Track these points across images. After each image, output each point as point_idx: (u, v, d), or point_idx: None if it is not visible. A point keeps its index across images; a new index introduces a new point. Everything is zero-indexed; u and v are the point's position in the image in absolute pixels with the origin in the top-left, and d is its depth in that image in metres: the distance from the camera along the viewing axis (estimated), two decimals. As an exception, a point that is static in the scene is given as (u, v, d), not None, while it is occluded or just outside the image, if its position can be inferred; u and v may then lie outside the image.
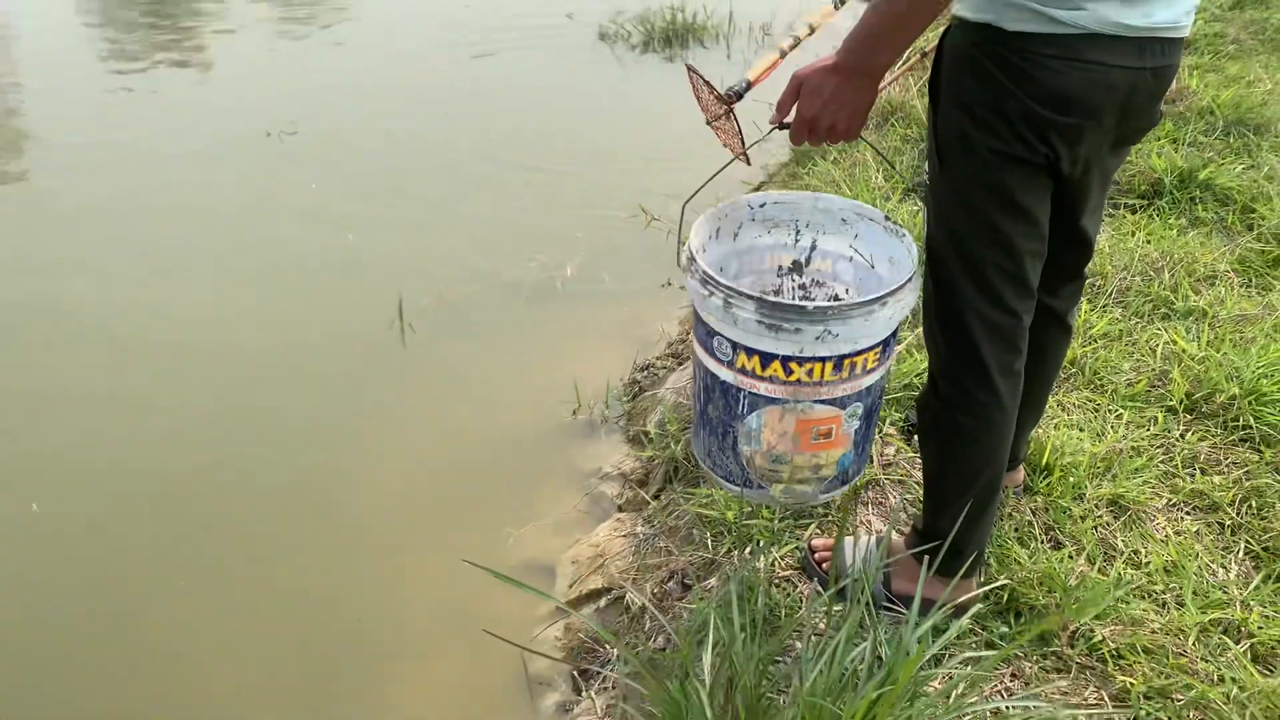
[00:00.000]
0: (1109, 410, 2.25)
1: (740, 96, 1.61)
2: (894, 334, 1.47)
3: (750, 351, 1.39)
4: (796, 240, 1.62)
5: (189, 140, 4.69)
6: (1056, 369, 1.70)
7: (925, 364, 1.73)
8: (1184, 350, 2.40)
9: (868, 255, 1.58)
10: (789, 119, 1.39)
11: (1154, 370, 2.36)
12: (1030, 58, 1.29)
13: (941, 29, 1.40)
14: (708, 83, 1.60)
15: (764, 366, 1.39)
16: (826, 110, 1.34)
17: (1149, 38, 1.29)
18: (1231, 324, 2.52)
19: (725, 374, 1.45)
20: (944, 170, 1.42)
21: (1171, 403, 2.25)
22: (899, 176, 3.30)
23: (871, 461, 2.07)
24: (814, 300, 1.65)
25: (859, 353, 1.40)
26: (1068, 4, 1.26)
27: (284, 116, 4.88)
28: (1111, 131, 1.37)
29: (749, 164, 1.58)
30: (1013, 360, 1.44)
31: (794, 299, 1.65)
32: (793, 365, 1.38)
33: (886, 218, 1.55)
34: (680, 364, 2.97)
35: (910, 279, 1.44)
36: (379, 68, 5.75)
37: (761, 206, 1.61)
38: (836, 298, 1.64)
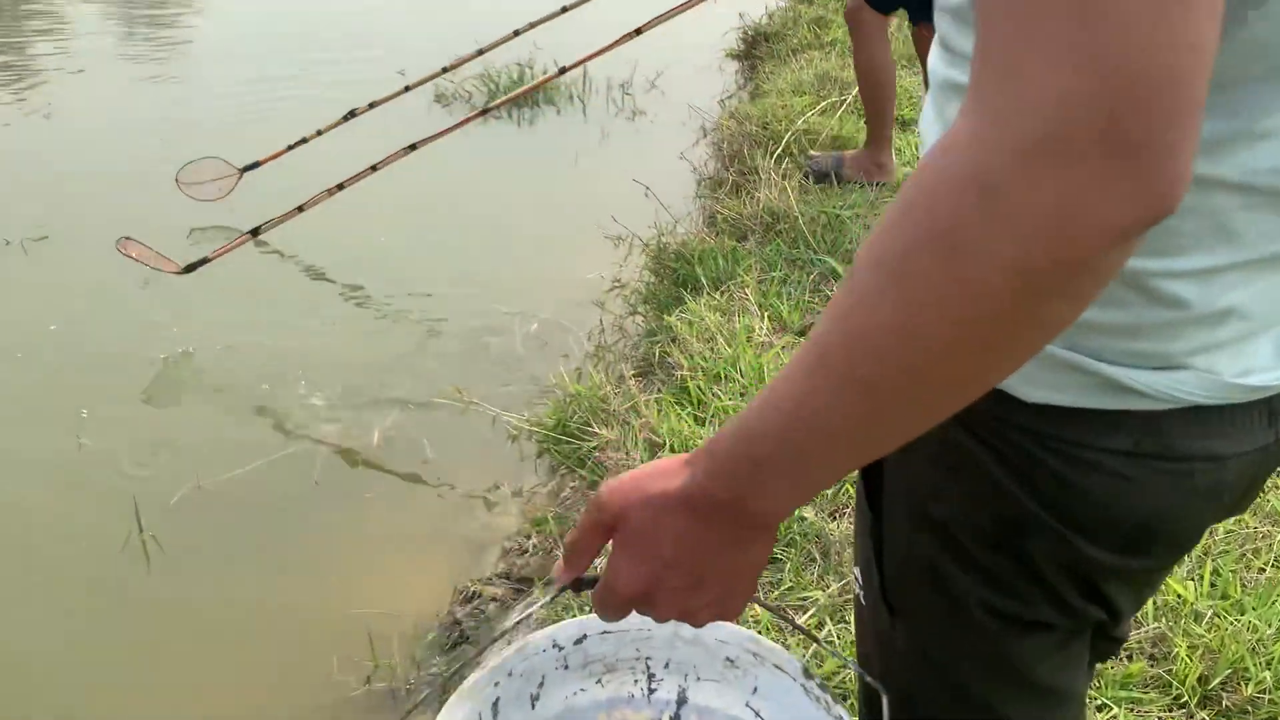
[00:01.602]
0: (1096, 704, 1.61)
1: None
2: None
3: None
4: (650, 691, 0.88)
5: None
6: None
7: None
8: (1181, 600, 1.78)
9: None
10: (592, 576, 0.67)
11: (1147, 635, 1.73)
12: (1076, 457, 0.64)
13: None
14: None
15: None
16: (670, 582, 0.61)
17: None
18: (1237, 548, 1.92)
19: None
20: (896, 621, 0.74)
21: (1179, 690, 1.63)
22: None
23: None
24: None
25: None
26: (1152, 359, 0.62)
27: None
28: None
29: None
30: None
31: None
32: None
33: (806, 672, 0.83)
34: (519, 593, 2.22)
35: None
36: (154, 145, 4.80)
37: (578, 644, 0.87)
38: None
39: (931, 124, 0.73)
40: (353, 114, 3.84)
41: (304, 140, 3.79)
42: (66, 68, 6.04)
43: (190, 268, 3.23)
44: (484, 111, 3.59)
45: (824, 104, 4.03)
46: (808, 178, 3.51)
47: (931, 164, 0.47)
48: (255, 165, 3.84)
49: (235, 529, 2.48)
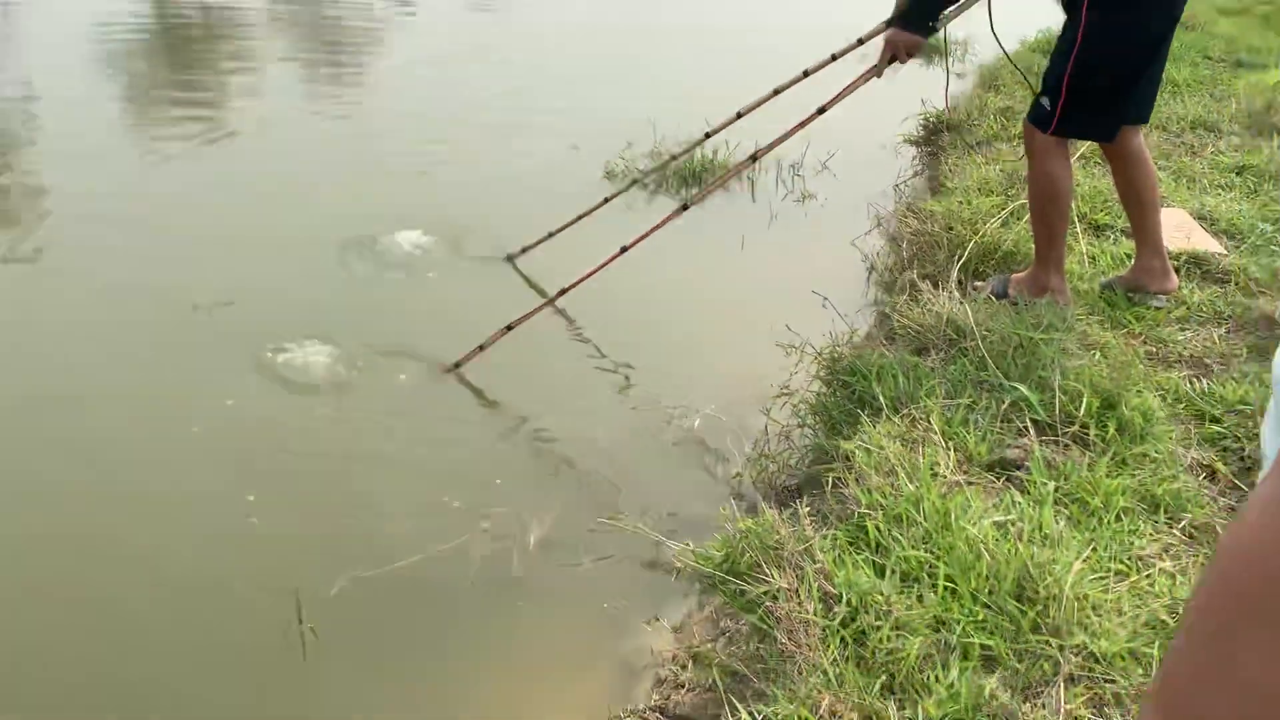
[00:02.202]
0: None
1: None
2: None
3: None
4: None
5: (67, 311, 3.89)
6: None
7: None
8: None
9: None
10: None
11: None
12: None
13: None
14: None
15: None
16: None
17: None
18: None
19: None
20: None
21: None
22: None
23: None
24: None
25: None
26: None
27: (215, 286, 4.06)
28: None
29: None
30: None
31: None
32: None
33: None
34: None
35: None
36: (315, 209, 4.99)
37: None
38: None
39: (1274, 434, 0.61)
40: (606, 200, 4.15)
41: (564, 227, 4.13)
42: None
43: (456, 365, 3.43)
44: (684, 208, 3.59)
45: (1012, 205, 3.82)
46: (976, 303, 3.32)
47: None
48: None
49: (389, 627, 2.46)
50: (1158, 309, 3.29)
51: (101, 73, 7.63)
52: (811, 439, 2.87)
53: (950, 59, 7.92)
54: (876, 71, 3.27)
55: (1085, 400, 2.57)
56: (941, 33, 3.32)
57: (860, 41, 3.48)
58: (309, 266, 4.26)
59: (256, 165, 5.63)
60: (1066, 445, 2.52)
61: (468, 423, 3.33)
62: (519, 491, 2.90)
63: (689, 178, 5.46)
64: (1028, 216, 3.75)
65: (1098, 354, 2.92)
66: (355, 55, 8.47)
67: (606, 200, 4.26)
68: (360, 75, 8.06)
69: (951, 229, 3.68)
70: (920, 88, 5.99)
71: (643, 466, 3.07)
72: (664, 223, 3.51)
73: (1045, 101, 3.18)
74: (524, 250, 4.36)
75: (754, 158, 3.58)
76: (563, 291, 3.61)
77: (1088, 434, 2.53)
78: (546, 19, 9.66)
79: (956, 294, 3.17)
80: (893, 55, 3.05)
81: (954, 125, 5.09)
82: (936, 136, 5.18)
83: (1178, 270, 3.48)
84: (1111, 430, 2.51)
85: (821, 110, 3.41)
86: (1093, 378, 2.65)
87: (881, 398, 2.67)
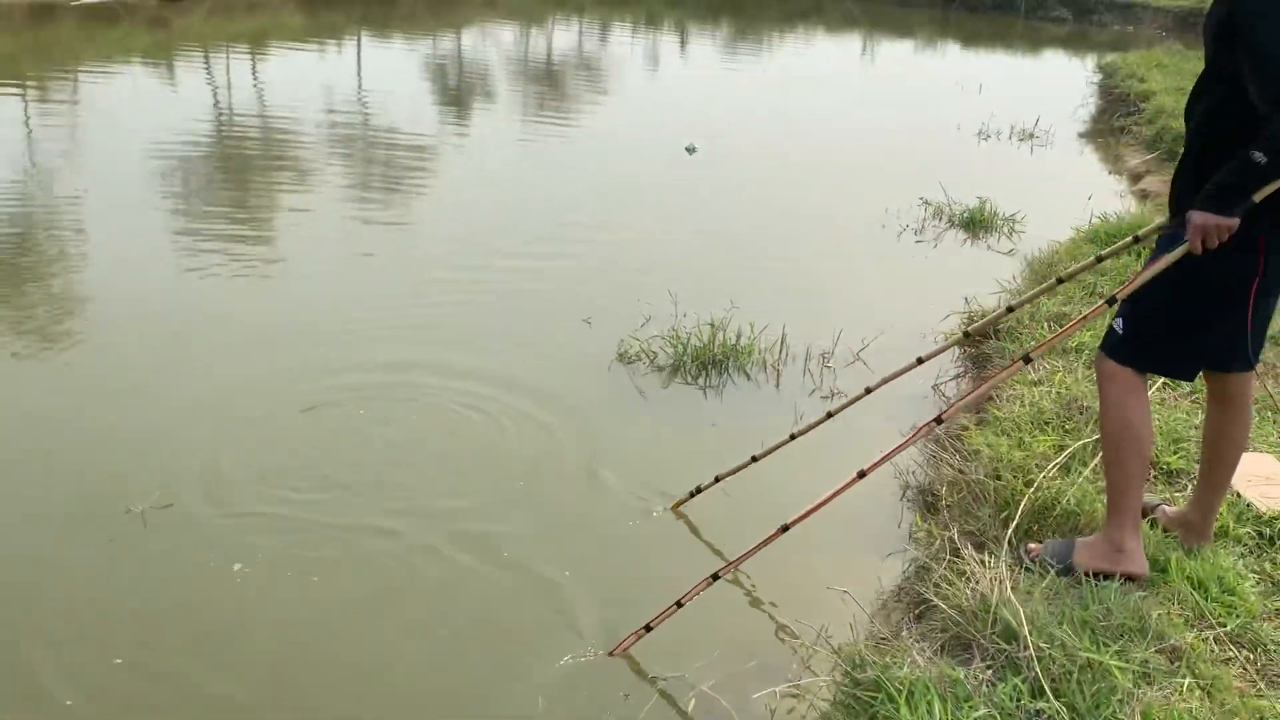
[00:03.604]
0: None
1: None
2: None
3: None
4: None
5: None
6: None
7: None
8: None
9: None
10: None
11: None
12: None
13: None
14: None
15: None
16: None
17: None
18: None
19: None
20: None
21: None
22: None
23: None
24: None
25: None
26: None
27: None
28: None
29: None
30: None
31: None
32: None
33: None
34: None
35: None
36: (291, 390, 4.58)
37: None
38: None
39: None
40: (791, 437, 3.59)
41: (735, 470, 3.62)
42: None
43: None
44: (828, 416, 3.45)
45: (1072, 445, 3.29)
46: (1030, 572, 2.77)
47: None
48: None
49: None
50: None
51: (151, 185, 7.47)
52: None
53: (995, 233, 7.56)
54: (1190, 249, 2.65)
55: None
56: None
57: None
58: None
59: (297, 306, 5.26)
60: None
61: None
62: None
63: (709, 364, 5.00)
64: (1095, 461, 3.23)
65: (1185, 673, 2.35)
66: (405, 181, 8.25)
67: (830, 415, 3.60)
68: (410, 198, 7.81)
69: (999, 477, 3.14)
70: (966, 283, 5.58)
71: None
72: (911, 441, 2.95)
73: (1117, 324, 2.71)
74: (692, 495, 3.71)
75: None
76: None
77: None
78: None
79: (1006, 573, 2.62)
80: (1203, 241, 2.52)
81: (1001, 331, 4.59)
82: (981, 339, 4.68)
83: (1263, 538, 2.94)
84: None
85: (1111, 300, 2.77)
86: (1182, 722, 2.07)
87: (912, 733, 2.11)
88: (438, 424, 4.24)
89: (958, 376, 4.88)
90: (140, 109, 10.34)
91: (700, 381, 4.93)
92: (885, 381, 3.40)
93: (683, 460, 4.08)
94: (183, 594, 3.07)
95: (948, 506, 3.18)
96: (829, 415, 3.58)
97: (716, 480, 3.63)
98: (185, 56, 13.38)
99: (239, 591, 3.07)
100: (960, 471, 3.28)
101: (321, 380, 4.55)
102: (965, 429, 3.66)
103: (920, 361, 3.29)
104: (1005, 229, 7.53)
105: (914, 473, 3.82)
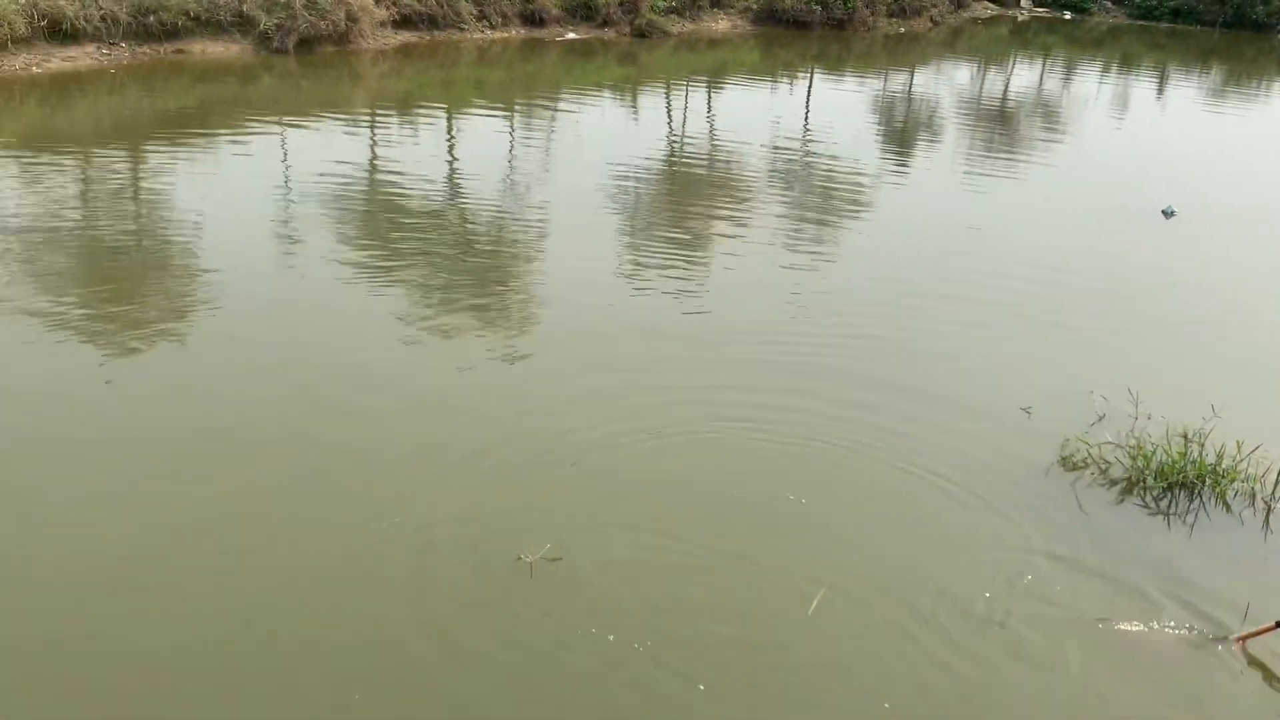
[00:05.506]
0: None
1: None
2: None
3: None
4: None
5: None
6: None
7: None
8: None
9: None
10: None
11: None
12: None
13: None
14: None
15: None
16: None
17: None
18: None
19: None
20: None
21: None
22: None
23: None
24: None
25: None
26: None
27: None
28: None
29: None
30: None
31: None
32: None
33: None
34: None
35: None
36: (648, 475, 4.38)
37: None
38: None
39: None
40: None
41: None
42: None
43: None
44: None
45: None
46: None
47: None
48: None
49: None
50: None
51: (602, 204, 7.85)
52: None
53: None
54: None
55: None
56: None
57: None
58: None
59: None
60: None
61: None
62: None
63: (1176, 485, 4.14)
64: None
65: None
66: (841, 215, 8.05)
67: None
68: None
69: None
70: None
71: None
72: None
73: None
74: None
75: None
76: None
77: None
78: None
79: None
80: None
81: None
82: None
83: None
84: None
85: None
86: None
87: None
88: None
89: None
90: (604, 132, 11.10)
91: (1163, 505, 4.10)
92: None
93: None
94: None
95: None
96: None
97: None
98: (649, 88, 14.24)
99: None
100: None
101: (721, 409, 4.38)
102: None
103: None
104: None
105: None
